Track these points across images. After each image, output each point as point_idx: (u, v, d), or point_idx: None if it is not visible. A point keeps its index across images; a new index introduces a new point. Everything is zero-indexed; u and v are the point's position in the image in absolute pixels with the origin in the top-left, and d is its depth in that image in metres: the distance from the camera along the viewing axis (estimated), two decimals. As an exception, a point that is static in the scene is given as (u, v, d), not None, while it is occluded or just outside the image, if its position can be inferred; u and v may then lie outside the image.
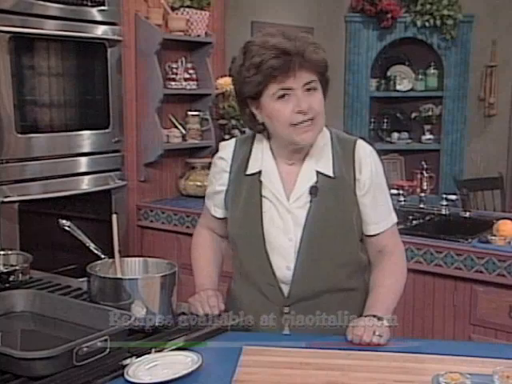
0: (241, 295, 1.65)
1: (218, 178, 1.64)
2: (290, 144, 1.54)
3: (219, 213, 1.68)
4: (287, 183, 1.56)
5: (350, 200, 1.56)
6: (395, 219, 1.63)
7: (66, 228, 1.60)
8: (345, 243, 1.57)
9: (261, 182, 1.57)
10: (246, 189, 1.58)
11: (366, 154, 1.58)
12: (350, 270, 1.59)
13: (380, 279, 1.59)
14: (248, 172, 1.59)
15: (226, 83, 3.46)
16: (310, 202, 1.54)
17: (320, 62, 1.48)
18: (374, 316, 1.49)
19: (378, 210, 1.59)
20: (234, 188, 1.60)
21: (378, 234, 1.60)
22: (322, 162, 1.56)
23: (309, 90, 1.47)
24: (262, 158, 1.59)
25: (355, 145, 1.59)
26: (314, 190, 1.54)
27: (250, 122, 1.58)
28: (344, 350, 1.43)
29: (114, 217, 1.61)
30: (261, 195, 1.56)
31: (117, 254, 1.57)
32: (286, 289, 1.56)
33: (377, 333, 1.45)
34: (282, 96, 1.46)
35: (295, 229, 1.54)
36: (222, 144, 1.69)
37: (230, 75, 1.60)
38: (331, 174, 1.55)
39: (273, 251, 1.55)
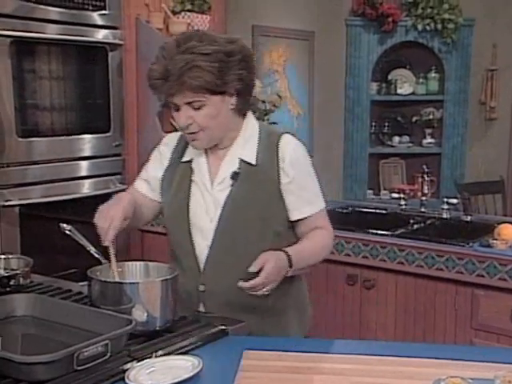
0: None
1: (158, 163, 1.77)
2: None
3: (154, 196, 1.78)
4: (213, 169, 1.71)
5: (272, 187, 1.67)
6: (323, 204, 1.75)
7: (67, 232, 1.60)
8: (262, 226, 1.66)
9: (191, 168, 1.72)
10: (180, 174, 1.73)
11: (289, 146, 1.69)
12: (266, 250, 1.63)
13: (308, 236, 1.71)
14: (183, 160, 1.74)
15: (226, 87, 3.45)
16: (232, 186, 1.67)
17: (197, 87, 1.55)
18: (287, 255, 1.60)
19: (303, 197, 1.70)
20: (170, 174, 1.75)
21: (306, 217, 1.71)
22: (247, 151, 1.69)
23: (195, 106, 1.59)
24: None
25: (280, 137, 1.70)
26: (235, 176, 1.67)
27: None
28: (346, 354, 1.43)
29: None
30: (190, 180, 1.71)
31: (113, 258, 1.56)
32: (202, 266, 1.68)
33: (266, 288, 1.54)
34: (175, 108, 1.62)
35: (215, 210, 1.67)
36: (169, 135, 1.84)
37: None
38: (254, 162, 1.67)
39: (195, 231, 1.68)
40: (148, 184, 1.80)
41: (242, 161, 1.68)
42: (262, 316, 1.68)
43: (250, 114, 1.73)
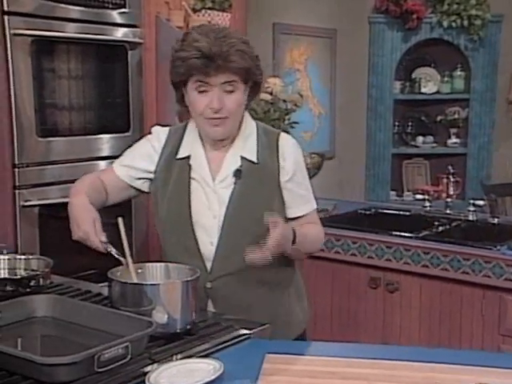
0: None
1: (148, 157, 1.77)
2: (204, 134, 1.72)
3: (136, 183, 1.80)
4: (213, 166, 1.73)
5: (273, 185, 1.72)
6: (315, 205, 1.82)
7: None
8: (264, 222, 1.67)
9: (190, 165, 1.73)
10: (176, 172, 1.73)
11: (288, 145, 1.76)
12: None
13: (308, 226, 1.76)
14: (178, 156, 1.74)
15: (247, 86, 3.46)
16: (235, 183, 1.70)
17: (241, 68, 1.61)
18: (293, 231, 1.63)
19: (300, 195, 1.76)
20: (164, 171, 1.75)
21: (301, 216, 1.77)
22: (247, 149, 1.72)
23: (227, 89, 1.62)
24: (192, 144, 1.75)
25: (279, 136, 1.76)
26: (237, 173, 1.70)
27: (179, 101, 1.74)
28: (369, 359, 1.42)
29: (120, 220, 1.61)
30: (189, 177, 1.72)
31: (129, 259, 1.57)
32: (209, 265, 1.70)
33: (269, 255, 1.53)
34: (202, 90, 1.62)
35: (220, 207, 1.69)
36: (157, 128, 1.85)
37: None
38: (255, 160, 1.71)
39: (198, 228, 1.70)
40: (130, 172, 1.79)
41: (243, 158, 1.71)
42: (269, 311, 1.72)
43: (246, 113, 1.78)
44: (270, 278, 1.74)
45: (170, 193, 1.73)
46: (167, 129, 1.82)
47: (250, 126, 1.77)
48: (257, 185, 1.71)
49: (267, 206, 1.68)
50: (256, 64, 1.67)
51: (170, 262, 1.67)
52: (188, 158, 1.74)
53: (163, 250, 1.82)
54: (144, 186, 1.81)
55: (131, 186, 1.81)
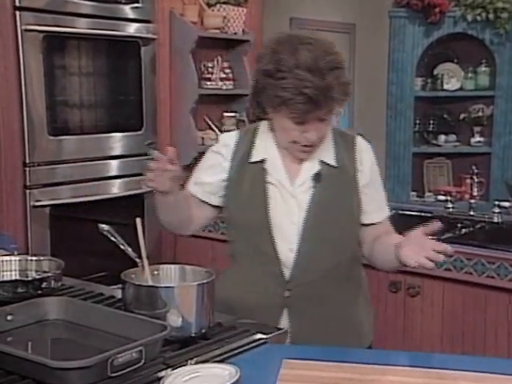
0: (238, 283, 1.75)
1: (218, 166, 1.75)
2: (287, 149, 1.69)
3: (213, 200, 1.76)
4: (291, 170, 1.70)
5: (352, 189, 1.70)
6: (388, 211, 1.81)
7: (105, 233, 1.62)
8: (345, 228, 1.70)
9: (265, 169, 1.69)
10: (250, 176, 1.70)
11: (366, 148, 1.75)
12: (348, 255, 1.73)
13: (392, 235, 1.72)
14: (251, 160, 1.71)
15: (263, 83, 3.46)
16: (314, 187, 1.67)
17: (342, 101, 1.59)
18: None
19: (377, 201, 1.76)
20: (237, 176, 1.72)
21: (376, 223, 1.75)
22: (325, 152, 1.70)
23: (323, 118, 1.60)
24: (265, 147, 1.72)
25: (355, 138, 1.76)
26: (317, 177, 1.68)
27: (260, 111, 1.70)
28: (389, 365, 1.42)
29: (138, 220, 1.61)
30: (265, 181, 1.68)
31: (145, 261, 1.58)
32: (287, 272, 1.67)
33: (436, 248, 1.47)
34: (298, 122, 1.58)
35: (299, 212, 1.67)
36: (223, 135, 1.84)
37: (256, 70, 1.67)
38: (334, 164, 1.69)
39: (277, 234, 1.67)
40: (204, 188, 1.76)
41: (322, 162, 1.69)
42: (344, 323, 1.72)
43: None
44: (346, 287, 1.73)
45: (244, 198, 1.70)
46: (235, 133, 1.79)
47: None
48: (337, 189, 1.69)
49: (347, 212, 1.68)
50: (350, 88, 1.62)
51: (244, 267, 1.70)
52: (262, 161, 1.70)
53: (233, 256, 1.79)
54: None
55: (207, 204, 1.77)
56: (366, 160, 1.73)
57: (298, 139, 1.62)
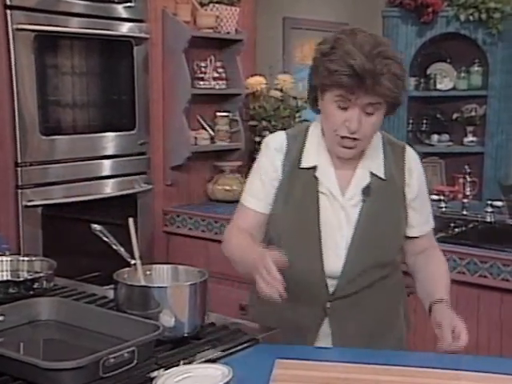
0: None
1: (270, 171, 1.68)
2: (330, 149, 1.65)
3: (264, 207, 1.68)
4: (342, 181, 1.66)
5: (400, 202, 1.68)
6: (433, 224, 1.79)
7: (97, 233, 1.62)
8: (392, 242, 1.69)
9: (316, 177, 1.65)
10: (301, 184, 1.65)
11: (415, 160, 1.73)
12: (389, 267, 1.71)
13: (436, 265, 1.73)
14: (302, 166, 1.66)
15: (256, 83, 3.47)
16: (363, 201, 1.64)
17: (390, 91, 1.53)
18: (445, 301, 1.63)
19: (424, 214, 1.73)
20: (288, 182, 1.66)
21: (421, 236, 1.74)
22: (375, 163, 1.67)
23: (368, 111, 1.55)
24: (316, 152, 1.67)
25: (405, 150, 1.72)
26: (367, 191, 1.65)
27: (312, 101, 1.67)
28: (382, 364, 1.42)
29: (131, 220, 1.62)
30: (317, 191, 1.64)
31: (138, 261, 1.58)
32: (332, 284, 1.65)
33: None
34: (342, 106, 1.55)
35: (347, 226, 1.64)
36: (273, 135, 1.75)
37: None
38: (383, 176, 1.66)
39: (325, 247, 1.64)
40: (268, 199, 1.68)
41: (372, 174, 1.66)
42: (384, 337, 1.72)
43: None
44: (387, 296, 1.73)
45: (295, 207, 1.65)
46: (283, 134, 1.72)
47: (376, 138, 1.68)
48: (385, 203, 1.66)
49: (394, 226, 1.67)
50: (403, 86, 1.57)
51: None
52: (313, 168, 1.65)
53: None
54: None
55: (266, 214, 1.70)
56: (415, 173, 1.70)
57: (340, 128, 1.56)
